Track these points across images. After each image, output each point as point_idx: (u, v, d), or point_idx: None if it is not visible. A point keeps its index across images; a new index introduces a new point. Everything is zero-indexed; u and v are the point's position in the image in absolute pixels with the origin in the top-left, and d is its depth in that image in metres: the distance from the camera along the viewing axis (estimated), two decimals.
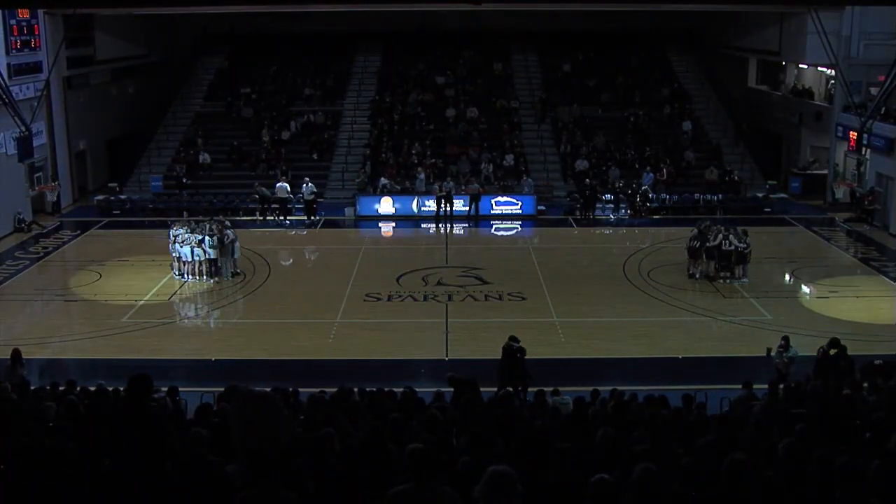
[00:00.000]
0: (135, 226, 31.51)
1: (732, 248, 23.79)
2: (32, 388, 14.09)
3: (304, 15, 38.56)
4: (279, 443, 6.07)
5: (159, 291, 23.60)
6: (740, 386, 14.07)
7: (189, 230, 24.68)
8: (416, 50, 41.60)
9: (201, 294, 23.74)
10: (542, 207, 32.81)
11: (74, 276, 25.96)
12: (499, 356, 17.25)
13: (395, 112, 37.92)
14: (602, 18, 39.98)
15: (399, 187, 33.39)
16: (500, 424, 9.43)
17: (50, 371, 17.82)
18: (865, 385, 13.44)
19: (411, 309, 22.31)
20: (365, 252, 28.34)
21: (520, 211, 32.63)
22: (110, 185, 35.20)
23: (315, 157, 36.30)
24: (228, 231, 24.91)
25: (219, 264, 24.46)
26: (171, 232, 24.85)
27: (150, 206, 33.20)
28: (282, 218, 31.78)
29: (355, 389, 13.17)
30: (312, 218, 31.67)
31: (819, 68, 36.57)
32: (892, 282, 24.65)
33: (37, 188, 32.19)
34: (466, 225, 31.89)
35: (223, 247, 24.43)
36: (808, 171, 36.55)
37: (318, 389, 13.74)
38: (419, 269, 25.52)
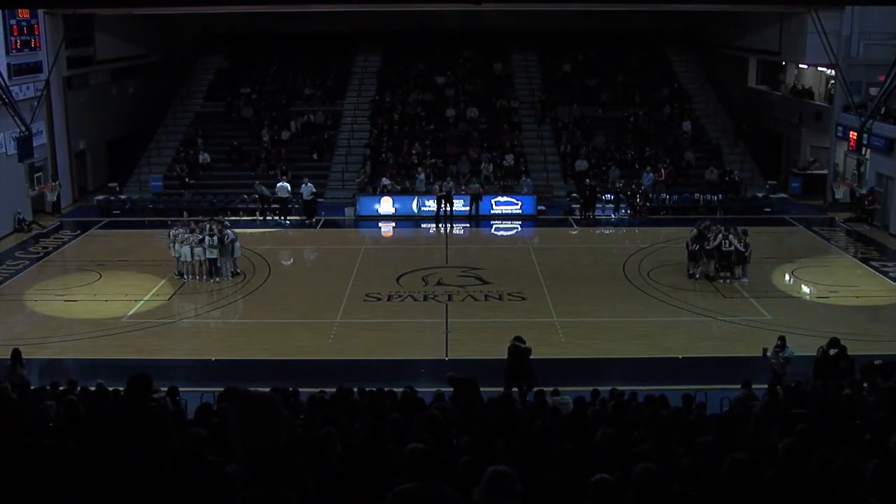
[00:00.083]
0: (135, 226, 31.50)
1: (732, 248, 23.80)
2: (32, 388, 14.10)
3: (304, 15, 38.56)
4: (278, 443, 6.07)
5: (159, 291, 23.61)
6: (740, 386, 14.08)
7: (189, 230, 24.69)
8: (416, 50, 41.60)
9: (201, 294, 23.74)
10: (542, 207, 32.82)
11: (74, 276, 25.97)
12: (499, 356, 17.25)
13: (395, 112, 37.92)
14: (602, 18, 39.98)
15: (399, 187, 33.40)
16: (500, 424, 9.43)
17: (50, 371, 17.82)
18: (865, 385, 13.45)
19: (411, 309, 22.30)
20: (365, 252, 28.34)
21: (520, 211, 32.63)
22: (110, 185, 35.20)
23: (315, 157, 36.31)
24: (228, 231, 24.91)
25: (218, 264, 24.46)
26: (171, 232, 24.86)
27: (150, 206, 33.20)
28: (282, 218, 31.78)
29: (355, 389, 13.17)
30: (313, 219, 31.65)
31: (819, 68, 36.57)
32: (892, 282, 24.65)
33: (37, 188, 32.20)
34: (466, 225, 31.89)
35: (223, 247, 24.43)
36: (808, 171, 36.56)
37: (318, 389, 13.74)
38: (419, 269, 25.52)
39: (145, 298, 22.96)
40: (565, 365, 18.08)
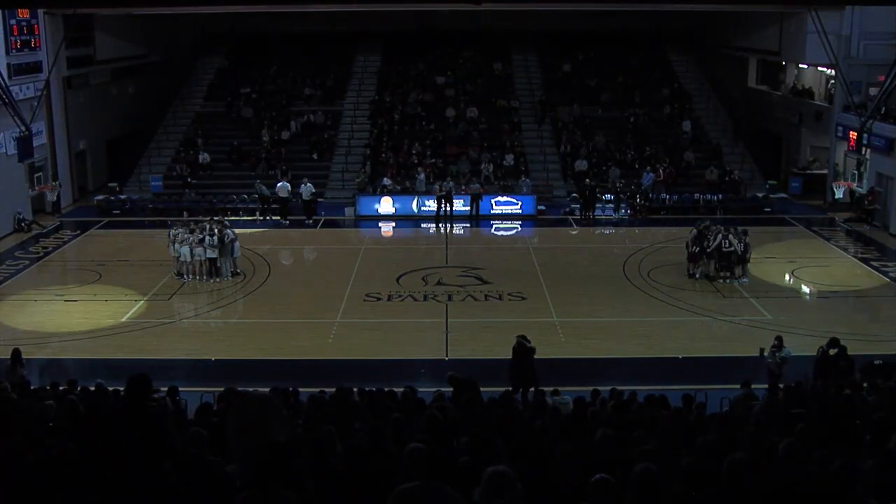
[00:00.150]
0: (135, 226, 31.50)
1: (732, 248, 23.79)
2: (32, 388, 14.10)
3: (303, 15, 38.57)
4: (276, 444, 6.08)
5: (159, 291, 23.60)
6: (739, 386, 14.08)
7: (188, 230, 24.69)
8: (416, 50, 41.60)
9: (201, 294, 23.74)
10: (542, 207, 32.82)
11: (74, 276, 25.98)
12: (499, 356, 17.26)
13: (395, 112, 37.92)
14: (602, 18, 39.99)
15: (399, 187, 33.41)
16: (500, 424, 9.43)
17: (50, 371, 17.82)
18: (865, 385, 13.45)
19: (411, 309, 22.31)
20: (365, 252, 28.33)
21: (520, 211, 32.64)
22: (110, 185, 35.20)
23: (315, 157, 36.31)
24: (228, 231, 24.91)
25: (218, 264, 24.46)
26: (171, 232, 24.86)
27: (150, 206, 33.20)
28: (282, 218, 31.76)
29: (355, 389, 13.17)
30: (312, 218, 31.65)
31: (819, 68, 36.57)
32: (892, 282, 24.65)
33: (37, 188, 32.20)
34: (467, 225, 31.89)
35: (223, 246, 24.43)
36: (808, 171, 36.56)
37: (318, 389, 13.75)
38: (419, 269, 25.52)
39: (145, 298, 22.96)
40: (565, 365, 18.07)
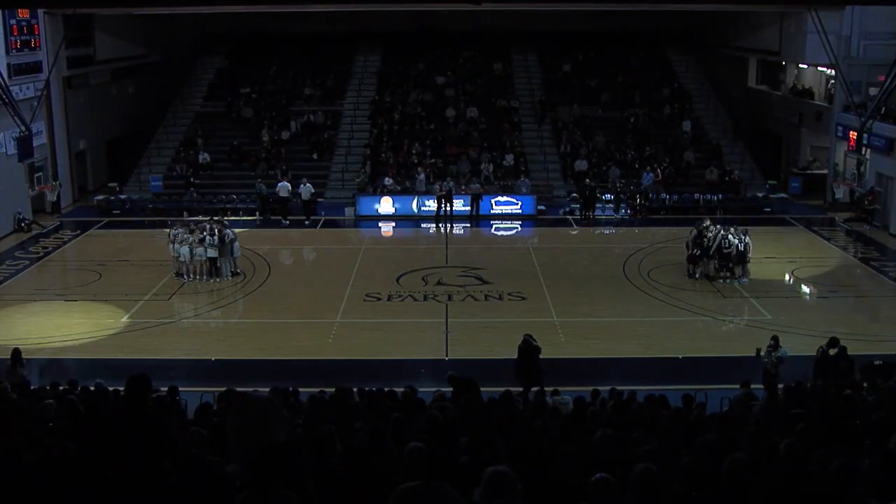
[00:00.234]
0: (135, 226, 31.50)
1: (732, 248, 23.77)
2: (32, 388, 14.10)
3: (303, 15, 38.56)
4: (275, 446, 6.07)
5: (159, 291, 23.60)
6: (739, 386, 14.09)
7: (188, 231, 24.69)
8: (416, 50, 41.60)
9: (201, 294, 23.74)
10: (542, 207, 32.82)
11: (74, 276, 25.98)
12: (499, 356, 17.27)
13: (395, 112, 37.92)
14: (602, 18, 39.99)
15: (399, 187, 33.41)
16: (500, 424, 9.43)
17: (50, 371, 17.82)
18: (865, 385, 13.45)
19: (411, 309, 22.31)
20: (365, 252, 28.33)
21: (520, 211, 32.64)
22: (110, 185, 35.20)
23: (315, 157, 36.31)
24: (228, 231, 24.91)
25: (218, 264, 24.46)
26: (171, 232, 24.86)
27: (150, 206, 33.20)
28: (282, 218, 31.75)
29: (355, 389, 13.17)
30: (311, 218, 31.65)
31: (819, 68, 36.57)
32: (892, 282, 24.65)
33: (37, 188, 32.20)
34: (467, 225, 31.89)
35: (223, 246, 24.43)
36: (808, 171, 36.56)
37: (318, 389, 13.75)
38: (419, 269, 25.52)
39: (145, 298, 22.96)
40: (565, 365, 18.06)
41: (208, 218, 26.79)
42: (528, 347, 16.30)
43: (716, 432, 9.12)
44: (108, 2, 31.42)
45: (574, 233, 30.93)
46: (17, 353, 16.33)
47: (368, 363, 18.62)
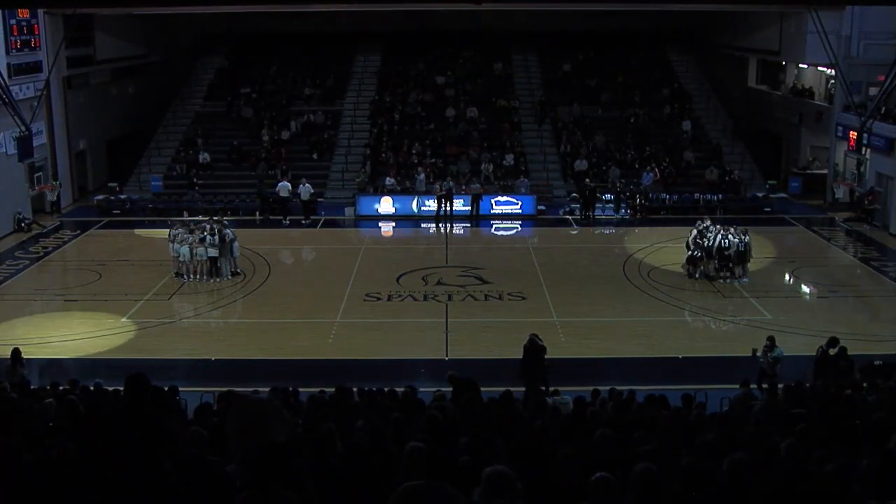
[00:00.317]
0: (135, 226, 31.50)
1: (733, 248, 23.76)
2: (32, 388, 14.10)
3: (303, 15, 38.57)
4: (275, 445, 6.07)
5: (159, 291, 23.60)
6: (739, 385, 14.09)
7: (188, 230, 24.69)
8: (416, 50, 41.61)
9: (201, 294, 23.73)
10: (542, 207, 32.82)
11: (74, 276, 25.98)
12: (499, 356, 17.25)
13: (395, 112, 37.92)
14: (602, 18, 40.02)
15: (399, 187, 33.42)
16: (500, 424, 9.43)
17: (50, 371, 17.82)
18: (865, 385, 13.45)
19: (411, 309, 22.31)
20: (365, 252, 28.33)
21: (520, 211, 32.64)
22: (110, 185, 35.20)
23: (315, 157, 36.31)
24: (228, 231, 24.91)
25: (218, 264, 24.47)
26: (171, 232, 24.86)
27: (150, 206, 33.20)
28: (282, 218, 31.75)
29: (355, 389, 13.16)
30: (311, 218, 31.65)
31: (819, 68, 36.57)
32: (892, 282, 24.66)
33: (37, 188, 32.21)
34: (467, 225, 31.89)
35: (223, 245, 24.43)
36: (808, 171, 36.56)
37: (318, 389, 13.74)
38: (419, 269, 25.52)
39: (145, 298, 22.96)
40: (565, 365, 18.07)
41: (208, 217, 26.76)
42: (534, 347, 16.29)
43: (716, 432, 9.11)
44: (108, 2, 31.42)
45: (574, 233, 30.93)
46: (16, 352, 16.34)
47: (368, 363, 18.62)
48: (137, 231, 30.77)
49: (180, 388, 13.89)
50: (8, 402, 11.03)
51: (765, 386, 15.26)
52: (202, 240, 24.15)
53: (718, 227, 24.69)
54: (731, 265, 24.00)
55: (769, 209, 33.01)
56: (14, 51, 30.25)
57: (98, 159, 38.19)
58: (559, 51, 41.90)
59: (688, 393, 13.18)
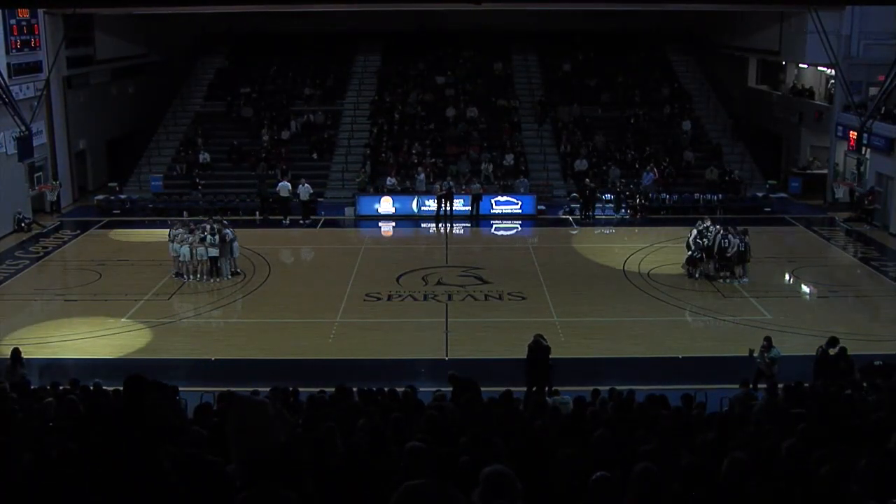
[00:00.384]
0: (135, 226, 31.49)
1: (733, 248, 23.75)
2: (32, 388, 14.10)
3: (303, 15, 38.56)
4: (272, 450, 6.06)
5: (159, 291, 23.60)
6: (739, 385, 14.09)
7: (188, 230, 24.69)
8: (416, 50, 41.61)
9: (201, 294, 23.73)
10: (542, 207, 32.82)
11: (74, 275, 25.97)
12: (499, 356, 17.24)
13: (395, 112, 37.92)
14: (602, 18, 40.00)
15: (399, 187, 33.42)
16: (500, 424, 9.43)
17: (50, 371, 17.81)
18: (865, 385, 13.45)
19: (411, 309, 22.30)
20: (365, 252, 28.33)
21: (520, 211, 32.64)
22: (110, 184, 35.20)
23: (315, 156, 36.31)
24: (227, 230, 24.91)
25: (219, 264, 24.47)
26: (171, 232, 24.86)
27: (150, 206, 33.20)
28: (283, 218, 31.75)
29: (355, 389, 13.16)
30: (311, 218, 31.65)
31: (819, 68, 36.57)
32: (892, 282, 24.65)
33: (37, 188, 32.20)
34: (467, 224, 31.89)
35: (223, 245, 24.42)
36: (808, 171, 36.57)
37: (318, 389, 13.74)
38: (419, 268, 25.52)
39: (145, 298, 22.96)
40: (565, 365, 18.05)
41: (208, 217, 26.75)
42: (538, 347, 16.30)
43: (716, 432, 9.11)
44: (108, 2, 31.43)
45: (574, 233, 30.92)
46: (16, 352, 16.34)
47: (368, 363, 18.62)
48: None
49: (180, 388, 13.88)
50: (8, 402, 11.03)
51: (761, 386, 15.25)
52: (202, 239, 24.16)
53: (718, 227, 24.69)
54: (730, 265, 23.97)
55: (769, 209, 33.01)
56: (14, 51, 30.25)
57: (98, 159, 38.19)
58: (559, 51, 41.89)
59: (688, 393, 13.18)
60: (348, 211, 32.42)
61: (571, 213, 32.45)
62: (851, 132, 31.35)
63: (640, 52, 41.84)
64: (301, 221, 31.40)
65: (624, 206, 32.67)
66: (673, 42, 42.71)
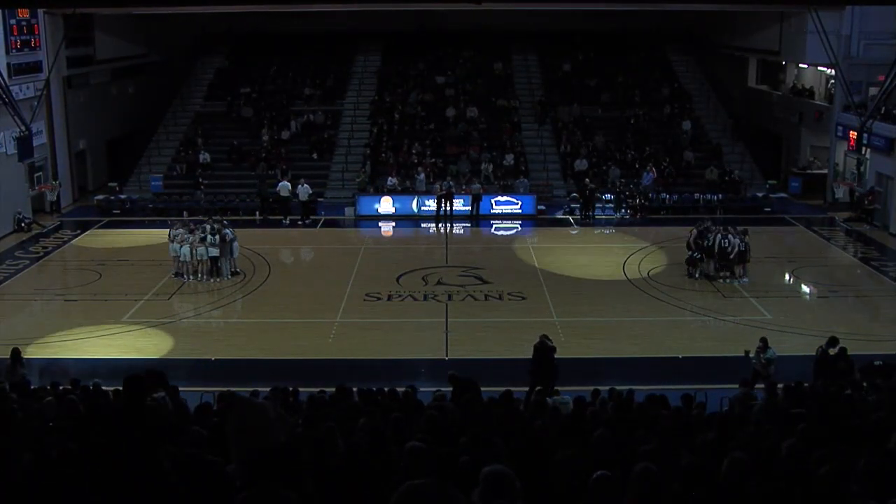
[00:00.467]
0: (135, 226, 31.49)
1: (733, 248, 23.75)
2: (32, 388, 14.10)
3: (303, 15, 38.56)
4: (272, 450, 6.07)
5: (159, 291, 23.60)
6: (739, 385, 14.09)
7: (188, 230, 24.69)
8: (416, 50, 41.61)
9: (201, 294, 23.73)
10: (542, 207, 32.82)
11: (74, 275, 25.97)
12: (499, 356, 17.23)
13: (395, 112, 37.92)
14: (602, 18, 40.00)
15: (400, 187, 33.43)
16: (500, 424, 9.43)
17: (50, 371, 17.81)
18: (865, 385, 13.44)
19: (411, 309, 22.31)
20: (365, 252, 28.34)
21: (520, 211, 32.64)
22: (110, 184, 35.19)
23: (315, 156, 36.31)
24: (227, 230, 24.91)
25: (219, 264, 24.47)
26: (171, 231, 24.86)
27: (150, 205, 33.20)
28: (283, 218, 31.75)
29: (355, 389, 13.16)
30: (310, 218, 31.65)
31: (819, 68, 36.57)
32: (892, 282, 24.66)
33: (37, 188, 32.21)
34: (467, 224, 31.89)
35: (223, 245, 24.43)
36: (808, 171, 36.56)
37: (317, 389, 13.74)
38: (419, 268, 25.52)
39: (145, 298, 22.96)
40: (565, 365, 18.02)
41: (207, 217, 26.74)
42: (544, 347, 16.31)
43: (716, 432, 9.11)
44: (108, 2, 31.44)
45: (574, 233, 30.93)
46: (16, 352, 16.34)
47: (368, 363, 18.62)
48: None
49: (180, 388, 13.86)
50: (8, 402, 11.03)
51: (759, 387, 15.25)
52: (203, 239, 24.16)
53: (718, 227, 24.68)
54: (730, 265, 23.97)
55: (769, 209, 33.01)
56: (14, 51, 30.25)
57: (98, 159, 38.19)
58: (559, 51, 41.89)
59: (688, 393, 13.18)
60: (348, 211, 32.43)
61: (571, 213, 32.45)
62: (851, 132, 31.35)
63: (639, 52, 41.84)
64: (300, 222, 31.40)
65: (624, 206, 32.68)
66: (673, 42, 42.71)
